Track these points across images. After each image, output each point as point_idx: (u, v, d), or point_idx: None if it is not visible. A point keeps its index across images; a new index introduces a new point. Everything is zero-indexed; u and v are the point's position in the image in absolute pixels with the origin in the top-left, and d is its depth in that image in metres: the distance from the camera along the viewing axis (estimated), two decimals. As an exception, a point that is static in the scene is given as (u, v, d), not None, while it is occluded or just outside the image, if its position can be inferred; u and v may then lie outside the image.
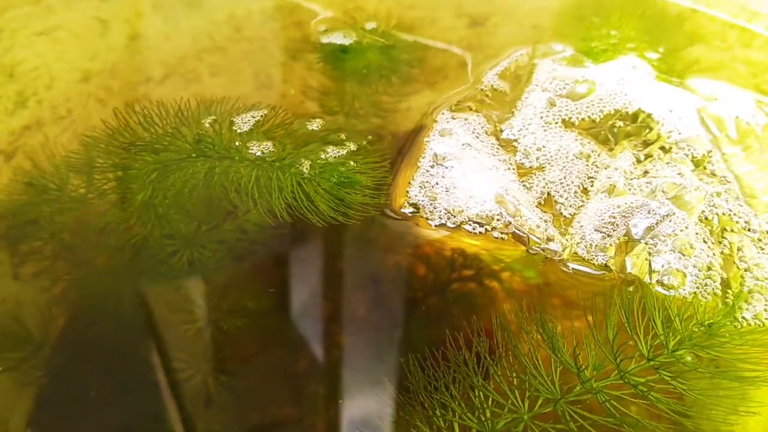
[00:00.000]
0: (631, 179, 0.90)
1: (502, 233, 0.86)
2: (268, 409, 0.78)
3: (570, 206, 0.89)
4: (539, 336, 0.74)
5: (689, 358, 0.72)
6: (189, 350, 0.82)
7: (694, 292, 0.80)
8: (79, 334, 0.84)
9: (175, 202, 0.91)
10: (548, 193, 0.90)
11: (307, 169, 0.90)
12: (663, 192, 0.87)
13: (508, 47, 1.18)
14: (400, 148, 0.99)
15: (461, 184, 0.89)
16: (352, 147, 0.95)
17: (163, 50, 1.25)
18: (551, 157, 0.94)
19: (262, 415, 0.78)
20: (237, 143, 0.94)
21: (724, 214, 0.87)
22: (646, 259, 0.82)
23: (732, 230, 0.87)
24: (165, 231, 0.89)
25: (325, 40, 1.19)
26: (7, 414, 0.78)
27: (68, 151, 1.00)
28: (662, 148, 0.95)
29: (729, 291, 0.81)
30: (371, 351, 0.82)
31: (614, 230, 0.84)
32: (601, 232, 0.85)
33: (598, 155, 0.94)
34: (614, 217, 0.85)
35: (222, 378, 0.79)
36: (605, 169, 0.92)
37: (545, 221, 0.87)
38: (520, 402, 0.69)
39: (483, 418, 0.68)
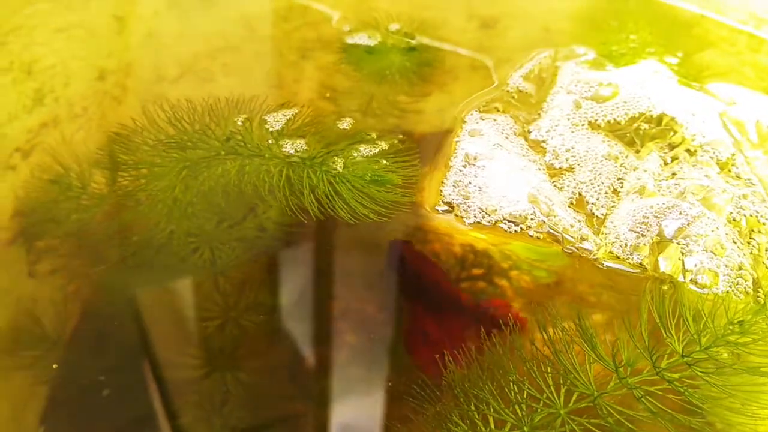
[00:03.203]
0: (660, 181, 0.92)
1: (537, 232, 0.87)
2: (280, 405, 0.79)
3: (601, 206, 0.90)
4: (576, 331, 0.74)
5: (726, 355, 0.73)
6: (205, 347, 0.82)
7: (727, 291, 0.82)
8: (95, 332, 0.84)
9: (199, 200, 0.90)
10: (579, 194, 0.91)
11: (340, 167, 0.90)
12: (692, 194, 0.88)
13: (520, 50, 1.19)
14: (428, 148, 1.00)
15: (494, 183, 0.90)
16: (384, 145, 0.96)
17: (178, 49, 1.24)
18: (580, 158, 0.95)
19: (274, 411, 0.78)
20: (270, 141, 0.94)
21: (751, 215, 0.89)
22: (679, 259, 0.83)
23: (759, 231, 0.88)
24: (187, 228, 0.89)
25: (350, 40, 1.20)
26: (21, 412, 0.77)
27: (87, 149, 1.00)
28: (688, 150, 0.96)
29: (760, 290, 0.83)
30: (380, 349, 0.83)
31: (647, 230, 0.86)
32: (635, 232, 0.86)
33: (626, 157, 0.95)
34: (647, 218, 0.86)
35: (239, 375, 0.79)
36: (634, 170, 0.93)
37: (578, 221, 0.88)
38: (555, 396, 0.69)
39: (519, 413, 0.68)
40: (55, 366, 0.80)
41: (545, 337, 0.73)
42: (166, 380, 0.81)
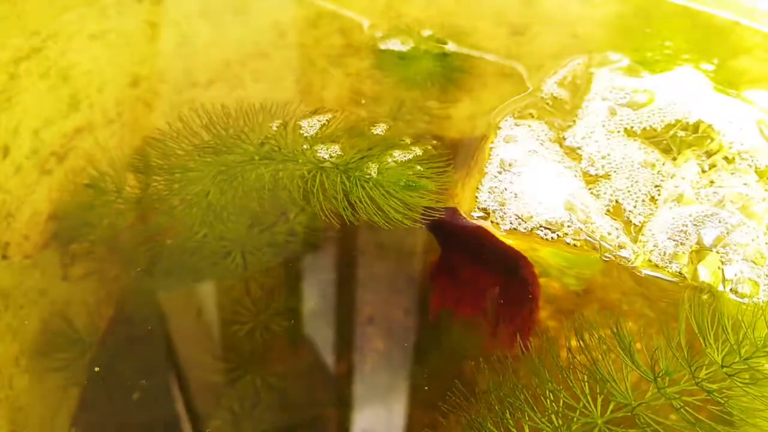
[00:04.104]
0: (698, 189, 0.90)
1: (574, 240, 0.87)
2: (309, 409, 0.79)
3: (639, 214, 0.89)
4: (611, 339, 0.74)
5: (767, 365, 0.72)
6: (235, 351, 0.82)
7: (768, 301, 0.80)
8: (127, 335, 0.85)
9: (232, 204, 0.91)
10: (616, 201, 0.90)
11: (374, 172, 0.90)
12: (732, 202, 0.87)
13: (551, 56, 1.19)
14: (460, 153, 1.00)
15: (530, 190, 0.90)
16: (418, 151, 0.96)
17: (209, 55, 1.25)
18: (617, 165, 0.94)
19: (303, 416, 0.78)
20: (304, 146, 0.94)
21: (791, 225, 0.88)
22: (719, 268, 0.82)
23: (800, 241, 0.87)
24: (220, 233, 0.90)
25: (383, 46, 1.20)
26: (53, 414, 0.78)
27: (121, 153, 1.01)
28: (725, 158, 0.95)
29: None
30: (408, 355, 0.83)
31: (686, 239, 0.85)
32: (673, 240, 0.85)
33: (663, 164, 0.94)
34: (686, 226, 0.86)
35: (268, 379, 0.80)
36: (671, 178, 0.92)
37: (616, 228, 0.87)
38: (592, 405, 0.68)
39: (556, 422, 0.67)
40: (97, 369, 0.80)
41: (581, 344, 0.73)
42: (196, 384, 0.81)
